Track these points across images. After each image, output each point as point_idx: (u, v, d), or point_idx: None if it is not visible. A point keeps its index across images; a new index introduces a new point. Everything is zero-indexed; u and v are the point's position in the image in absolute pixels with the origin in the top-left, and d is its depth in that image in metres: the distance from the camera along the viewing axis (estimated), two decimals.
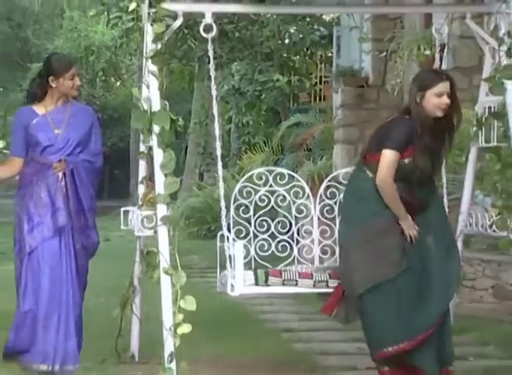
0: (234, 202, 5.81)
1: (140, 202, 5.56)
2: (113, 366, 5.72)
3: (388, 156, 5.11)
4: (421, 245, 5.16)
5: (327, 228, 5.88)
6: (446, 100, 5.11)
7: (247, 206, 5.87)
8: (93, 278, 9.66)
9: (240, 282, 5.36)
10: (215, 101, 5.57)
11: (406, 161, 5.14)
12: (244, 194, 5.85)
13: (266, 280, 5.45)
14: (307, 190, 5.94)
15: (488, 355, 6.18)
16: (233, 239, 5.49)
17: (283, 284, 5.48)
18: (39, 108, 5.77)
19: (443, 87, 5.13)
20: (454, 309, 6.05)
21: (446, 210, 5.58)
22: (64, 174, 5.67)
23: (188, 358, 5.17)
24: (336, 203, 5.93)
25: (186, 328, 5.09)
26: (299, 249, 5.89)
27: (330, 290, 5.43)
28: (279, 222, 5.93)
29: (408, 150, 5.12)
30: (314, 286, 5.49)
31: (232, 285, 5.36)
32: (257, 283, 5.45)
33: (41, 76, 5.80)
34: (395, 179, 5.13)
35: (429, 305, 5.08)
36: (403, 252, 5.12)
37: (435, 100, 5.12)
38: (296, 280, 5.48)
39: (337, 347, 6.13)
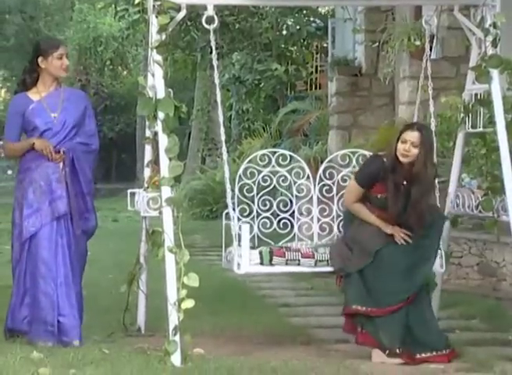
0: (238, 182, 5.84)
1: (145, 185, 5.55)
2: (121, 338, 5.72)
3: (350, 185, 5.48)
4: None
5: (325, 207, 5.92)
6: (405, 147, 5.25)
7: (250, 186, 5.89)
8: (102, 256, 9.73)
9: (246, 261, 5.38)
10: (218, 90, 5.55)
11: (378, 196, 5.35)
12: (248, 175, 5.88)
13: (271, 260, 5.47)
14: (307, 170, 5.96)
15: (473, 328, 6.19)
16: (238, 218, 5.53)
17: (287, 264, 5.50)
18: (33, 95, 5.63)
19: (409, 135, 5.28)
20: (442, 285, 6.08)
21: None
22: (64, 163, 5.55)
23: (191, 331, 5.19)
24: (334, 183, 5.96)
25: (189, 303, 5.10)
26: (299, 227, 5.92)
27: (330, 269, 5.46)
28: (280, 201, 5.97)
29: (376, 186, 5.33)
30: (316, 265, 5.51)
31: (238, 264, 5.38)
32: (262, 263, 5.47)
33: (31, 61, 5.68)
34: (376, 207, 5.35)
35: (397, 284, 5.24)
36: (375, 241, 5.30)
37: (399, 145, 5.29)
38: (298, 260, 5.50)
39: (331, 321, 6.13)
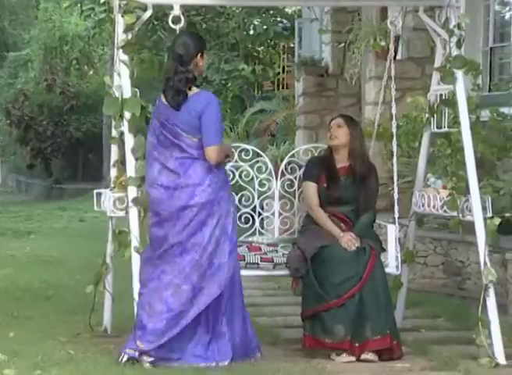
0: None
1: (112, 185, 5.53)
2: (87, 339, 5.70)
3: (304, 189, 5.75)
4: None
5: (287, 201, 5.95)
6: (331, 130, 5.69)
7: None
8: (68, 256, 9.64)
9: None
10: None
11: (323, 185, 5.64)
12: None
13: None
14: (270, 165, 5.99)
15: (438, 327, 6.24)
16: None
17: (246, 267, 5.51)
18: None
19: (332, 122, 5.75)
20: (407, 284, 6.11)
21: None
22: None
23: None
24: (295, 178, 5.99)
25: None
26: (261, 221, 5.95)
27: (288, 272, 5.48)
28: (242, 195, 5.98)
29: (321, 178, 5.66)
30: (274, 268, 5.54)
31: None
32: None
33: (193, 55, 5.06)
34: (327, 202, 5.61)
35: (346, 271, 5.34)
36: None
37: (328, 134, 5.74)
38: (257, 264, 5.53)
39: (299, 321, 6.11)
